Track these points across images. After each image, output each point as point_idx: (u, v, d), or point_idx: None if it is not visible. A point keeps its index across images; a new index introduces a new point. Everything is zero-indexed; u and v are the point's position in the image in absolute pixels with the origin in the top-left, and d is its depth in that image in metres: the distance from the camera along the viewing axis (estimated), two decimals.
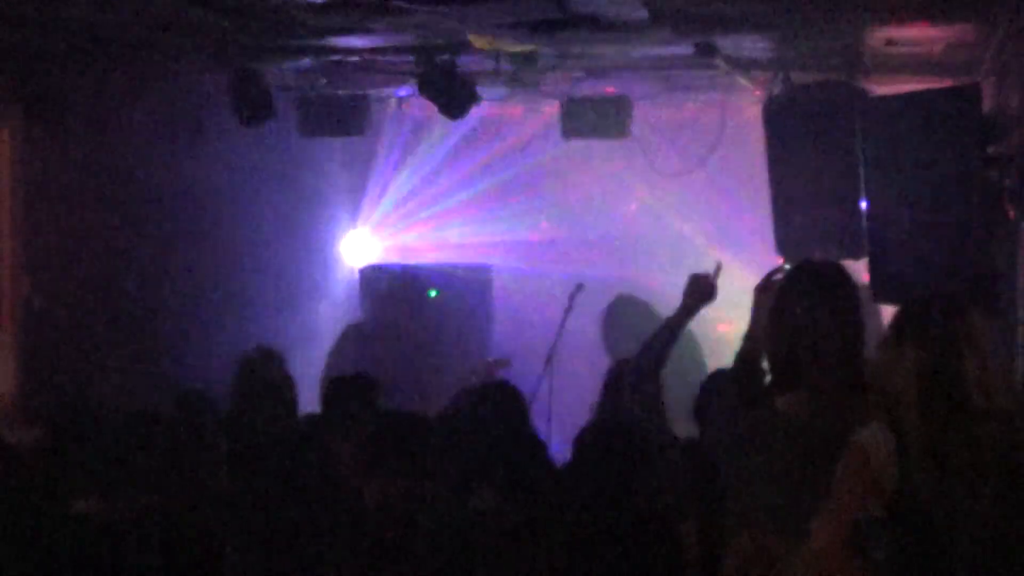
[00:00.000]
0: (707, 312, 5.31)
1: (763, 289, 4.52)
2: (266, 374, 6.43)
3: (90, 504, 4.74)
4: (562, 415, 8.86)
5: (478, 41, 7.07)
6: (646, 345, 5.12)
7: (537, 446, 5.20)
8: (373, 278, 10.03)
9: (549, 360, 8.90)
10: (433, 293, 9.87)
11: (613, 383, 6.20)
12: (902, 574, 3.68)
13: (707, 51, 7.44)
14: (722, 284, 5.29)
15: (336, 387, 6.18)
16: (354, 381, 6.23)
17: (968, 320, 3.83)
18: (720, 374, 4.95)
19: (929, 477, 3.68)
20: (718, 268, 5.25)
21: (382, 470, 5.09)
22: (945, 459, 3.68)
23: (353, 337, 9.05)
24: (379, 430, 5.26)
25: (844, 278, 4.32)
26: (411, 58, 7.83)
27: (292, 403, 6.32)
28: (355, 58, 8.01)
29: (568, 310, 9.11)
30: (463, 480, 5.08)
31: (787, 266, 4.67)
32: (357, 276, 10.56)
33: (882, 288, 6.52)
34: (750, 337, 4.46)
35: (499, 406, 5.27)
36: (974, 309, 3.88)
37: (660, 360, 5.09)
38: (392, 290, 9.40)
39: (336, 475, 5.24)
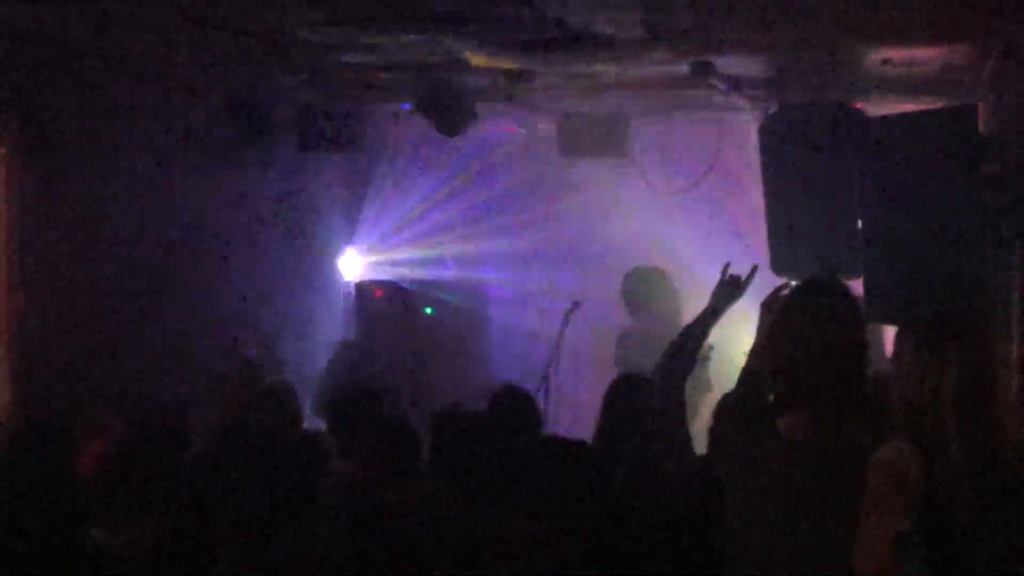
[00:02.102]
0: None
1: (769, 305, 4.52)
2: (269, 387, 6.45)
3: (102, 533, 4.74)
4: (559, 432, 8.85)
5: (475, 59, 7.08)
6: (673, 346, 5.07)
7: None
8: (369, 295, 10.02)
9: (546, 377, 8.91)
10: (429, 310, 9.87)
11: (613, 398, 6.21)
12: None
13: (704, 71, 7.46)
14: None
15: (342, 402, 6.20)
16: (359, 395, 6.26)
17: (995, 337, 3.89)
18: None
19: (963, 490, 3.70)
20: (753, 270, 5.24)
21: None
22: (978, 471, 3.71)
23: (348, 352, 9.05)
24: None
25: (848, 296, 4.32)
26: (408, 75, 7.84)
27: (297, 416, 6.34)
28: (352, 75, 8.03)
29: (564, 328, 9.13)
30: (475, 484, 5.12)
31: (793, 283, 4.67)
32: (353, 292, 10.55)
33: (877, 307, 6.53)
34: (755, 353, 4.45)
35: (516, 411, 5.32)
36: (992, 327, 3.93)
37: (689, 362, 5.03)
38: (388, 307, 9.39)
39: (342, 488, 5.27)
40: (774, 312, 4.42)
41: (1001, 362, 5.82)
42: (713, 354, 8.62)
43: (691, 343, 5.03)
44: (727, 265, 5.23)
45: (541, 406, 8.60)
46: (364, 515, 5.05)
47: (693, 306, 5.31)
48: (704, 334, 5.08)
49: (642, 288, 9.53)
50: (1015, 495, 3.75)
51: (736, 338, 5.29)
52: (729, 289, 5.15)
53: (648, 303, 9.40)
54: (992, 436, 3.76)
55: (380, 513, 5.04)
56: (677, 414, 5.00)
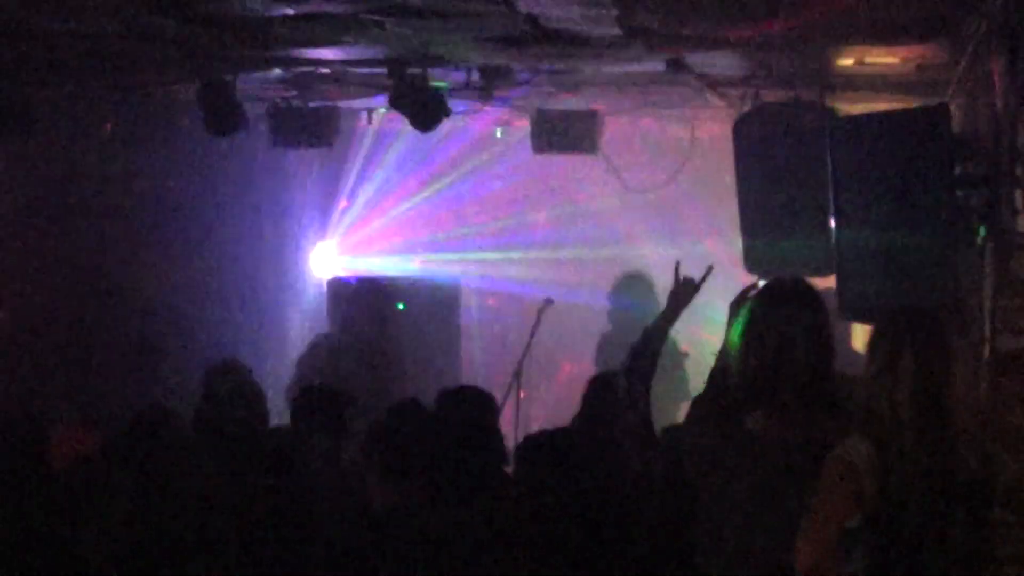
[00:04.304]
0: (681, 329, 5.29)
1: (737, 305, 4.53)
2: (235, 385, 6.41)
3: (75, 529, 4.70)
4: (531, 427, 8.86)
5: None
6: (637, 346, 5.08)
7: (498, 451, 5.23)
8: (340, 290, 10.01)
9: (518, 373, 8.92)
10: (401, 306, 9.86)
11: (593, 394, 6.22)
12: None
13: (678, 68, 7.47)
14: (694, 301, 5.27)
15: (307, 398, 6.18)
16: (324, 392, 6.23)
17: (951, 338, 3.92)
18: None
19: (915, 490, 3.73)
20: (708, 271, 5.24)
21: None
22: (931, 472, 3.74)
23: (321, 348, 9.03)
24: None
25: (815, 296, 4.34)
26: (383, 71, 7.82)
27: (263, 414, 6.31)
28: (326, 70, 8.01)
29: (537, 324, 9.13)
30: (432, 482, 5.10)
31: (761, 283, 4.68)
32: (325, 288, 10.53)
33: (849, 306, 6.54)
34: (723, 354, 4.47)
35: (470, 408, 5.31)
36: (951, 327, 3.96)
37: (651, 364, 5.03)
38: (360, 302, 9.37)
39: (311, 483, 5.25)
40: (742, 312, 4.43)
41: (974, 361, 5.87)
42: (688, 362, 8.67)
43: (651, 345, 5.02)
44: (678, 264, 5.23)
45: (514, 401, 8.64)
46: (340, 513, 5.04)
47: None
48: (663, 336, 5.06)
49: (626, 295, 9.56)
50: (967, 497, 3.78)
51: (713, 343, 5.28)
52: (684, 290, 5.14)
53: (631, 310, 9.44)
54: (947, 437, 3.80)
55: (355, 512, 5.03)
56: (643, 415, 5.00)
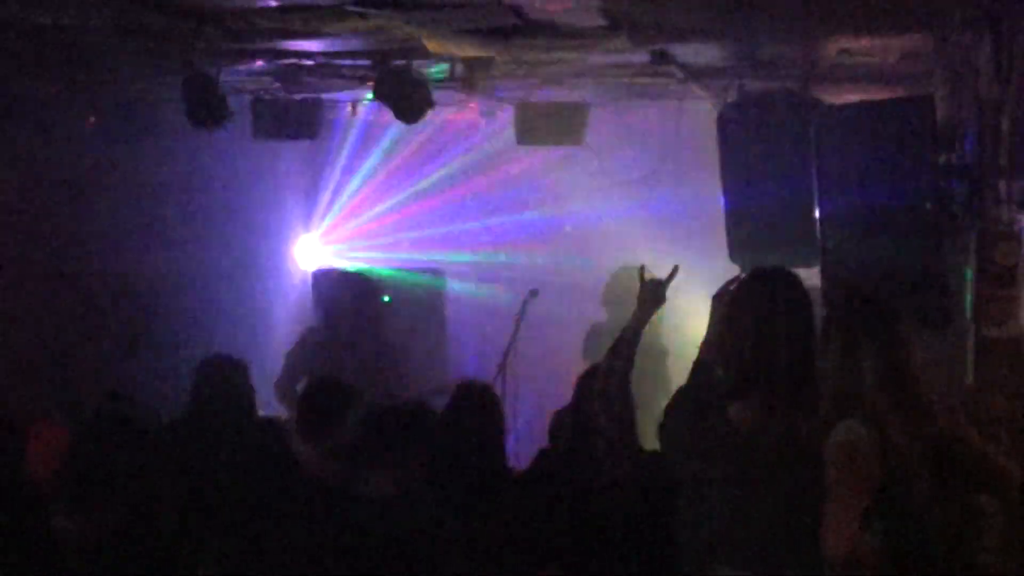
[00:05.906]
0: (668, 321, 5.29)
1: (720, 298, 4.53)
2: (225, 381, 6.41)
3: (66, 520, 4.68)
4: (516, 420, 8.87)
5: (431, 44, 7.06)
6: (612, 349, 5.10)
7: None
8: (326, 283, 9.99)
9: (503, 366, 8.91)
10: (387, 299, 9.84)
11: (585, 385, 6.22)
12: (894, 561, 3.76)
13: (662, 59, 7.47)
14: (677, 293, 5.27)
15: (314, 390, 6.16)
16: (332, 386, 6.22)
17: (904, 321, 3.95)
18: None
19: (912, 467, 3.76)
20: (674, 271, 5.24)
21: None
22: (921, 450, 3.78)
23: (310, 341, 9.01)
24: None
25: (796, 286, 4.34)
26: (366, 62, 7.81)
27: (251, 407, 6.31)
28: (309, 62, 7.99)
29: (522, 315, 9.13)
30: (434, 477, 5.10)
31: (743, 275, 4.69)
32: (310, 280, 10.52)
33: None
34: (706, 346, 4.47)
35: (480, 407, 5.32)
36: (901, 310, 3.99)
37: (626, 365, 5.04)
38: (346, 295, 9.35)
39: (303, 476, 5.23)
40: (724, 303, 4.44)
41: (958, 350, 5.89)
42: (669, 359, 8.68)
43: (624, 348, 5.03)
44: (642, 268, 5.24)
45: (499, 394, 8.63)
46: (334, 506, 5.03)
47: (669, 303, 5.27)
48: (635, 339, 5.06)
49: (620, 285, 9.57)
50: (959, 472, 3.82)
51: (697, 335, 5.29)
52: (651, 291, 5.14)
53: (623, 300, 9.44)
54: (922, 417, 3.83)
55: (350, 505, 5.02)
56: (622, 414, 5.02)
